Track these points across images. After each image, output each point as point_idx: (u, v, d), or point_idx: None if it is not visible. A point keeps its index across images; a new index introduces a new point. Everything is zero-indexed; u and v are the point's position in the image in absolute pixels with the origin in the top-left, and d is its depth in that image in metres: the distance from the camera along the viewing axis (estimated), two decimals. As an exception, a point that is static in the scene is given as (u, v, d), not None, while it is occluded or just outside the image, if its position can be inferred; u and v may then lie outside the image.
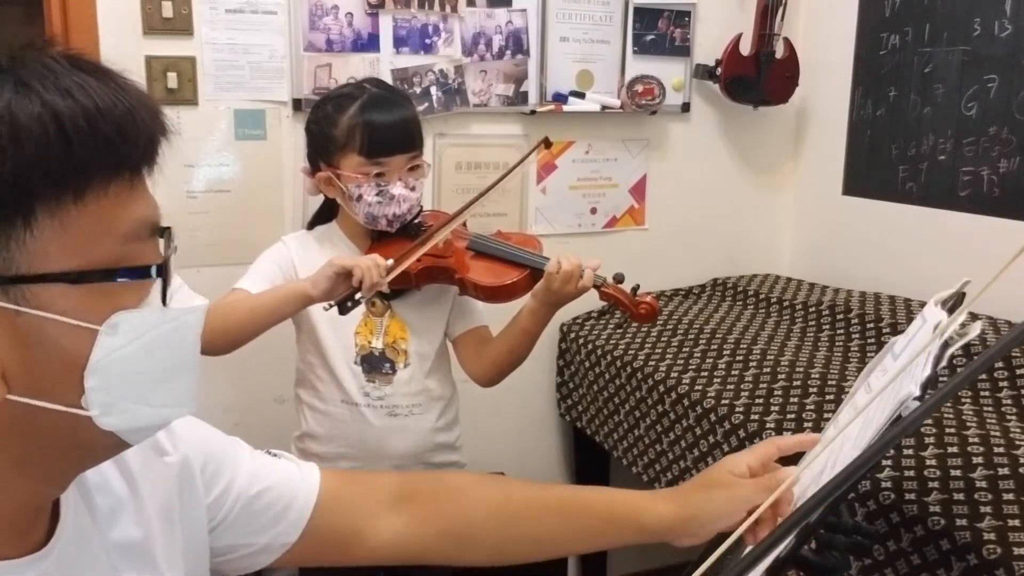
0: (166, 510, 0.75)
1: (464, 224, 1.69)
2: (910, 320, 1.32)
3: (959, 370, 1.84)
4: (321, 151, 1.62)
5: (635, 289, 1.61)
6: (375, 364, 1.64)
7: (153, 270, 0.58)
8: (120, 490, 0.72)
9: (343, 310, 1.49)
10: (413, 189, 1.60)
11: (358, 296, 1.48)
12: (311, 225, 1.76)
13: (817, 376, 1.89)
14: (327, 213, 1.74)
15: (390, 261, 1.50)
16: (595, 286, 1.59)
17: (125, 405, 0.58)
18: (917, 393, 0.68)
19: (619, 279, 1.61)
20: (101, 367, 0.56)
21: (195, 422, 0.83)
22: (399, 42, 2.23)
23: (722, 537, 1.00)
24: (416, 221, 1.67)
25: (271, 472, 0.87)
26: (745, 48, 2.48)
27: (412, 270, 1.58)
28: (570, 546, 0.95)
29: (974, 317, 0.84)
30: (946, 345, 0.74)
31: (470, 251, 1.66)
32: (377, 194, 1.57)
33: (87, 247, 0.55)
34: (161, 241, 0.61)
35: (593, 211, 2.55)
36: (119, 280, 0.57)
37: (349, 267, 1.45)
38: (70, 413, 0.56)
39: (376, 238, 1.65)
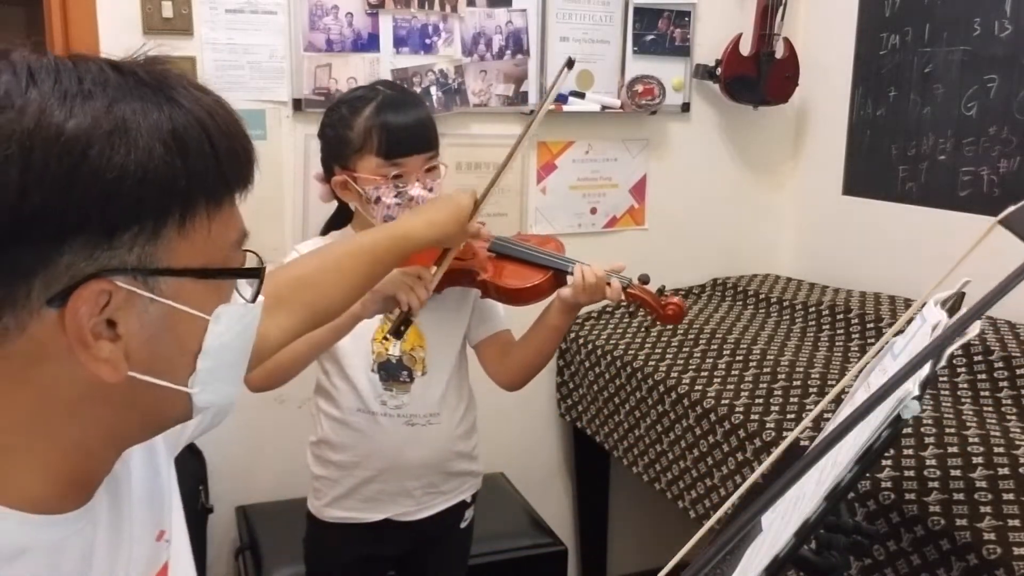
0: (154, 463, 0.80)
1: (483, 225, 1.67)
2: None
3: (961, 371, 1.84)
4: (336, 155, 1.59)
5: (661, 290, 1.57)
6: (392, 372, 1.62)
7: (262, 272, 0.70)
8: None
9: (398, 335, 1.51)
10: (431, 190, 1.58)
11: (412, 318, 1.49)
12: (325, 231, 1.73)
13: (817, 376, 1.89)
14: (341, 219, 1.71)
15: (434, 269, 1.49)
16: (621, 287, 1.57)
17: (216, 385, 0.67)
18: (916, 392, 0.69)
19: (644, 280, 1.58)
20: (211, 351, 0.65)
21: None
22: (399, 42, 2.23)
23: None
24: None
25: None
26: (745, 48, 2.48)
27: None
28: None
29: (974, 317, 0.83)
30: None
31: (492, 253, 1.63)
32: (395, 195, 1.54)
33: (210, 249, 0.64)
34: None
35: (593, 211, 2.55)
36: (229, 279, 0.67)
37: (391, 294, 1.45)
38: (173, 390, 0.64)
39: None
